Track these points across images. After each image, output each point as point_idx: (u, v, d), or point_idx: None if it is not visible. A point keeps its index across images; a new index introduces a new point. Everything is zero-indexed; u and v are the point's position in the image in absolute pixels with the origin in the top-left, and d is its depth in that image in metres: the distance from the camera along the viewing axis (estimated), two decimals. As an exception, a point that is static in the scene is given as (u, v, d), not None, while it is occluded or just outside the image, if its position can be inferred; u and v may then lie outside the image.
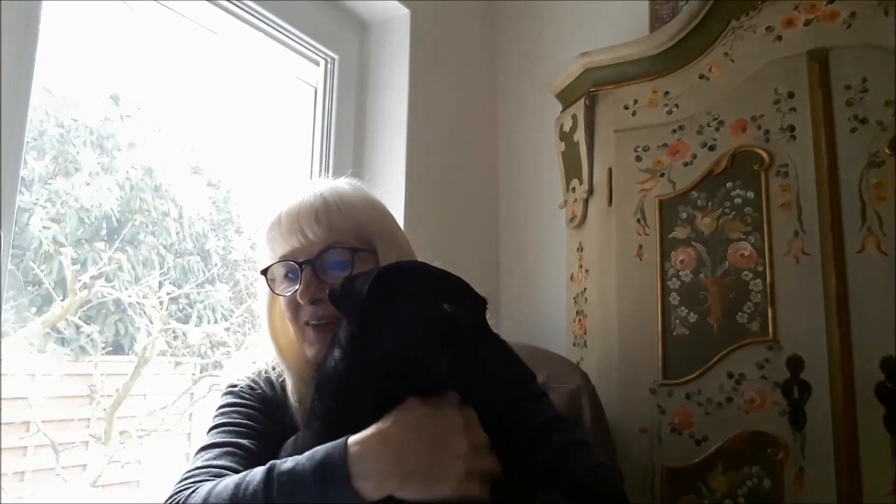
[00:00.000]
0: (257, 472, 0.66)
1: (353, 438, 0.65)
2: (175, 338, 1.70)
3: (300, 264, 0.83)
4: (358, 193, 0.90)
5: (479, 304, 0.73)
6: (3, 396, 1.31)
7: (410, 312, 0.69)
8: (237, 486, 0.66)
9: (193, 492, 0.69)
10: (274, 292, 0.86)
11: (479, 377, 0.69)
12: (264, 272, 0.87)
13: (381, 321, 0.70)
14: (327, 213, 0.84)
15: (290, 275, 0.85)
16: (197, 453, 0.79)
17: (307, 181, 0.90)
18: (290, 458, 0.66)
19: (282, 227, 0.84)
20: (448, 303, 0.70)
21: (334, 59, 1.69)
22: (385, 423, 0.66)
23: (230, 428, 0.82)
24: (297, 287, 0.83)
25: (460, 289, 0.72)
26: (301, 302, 0.82)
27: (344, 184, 0.91)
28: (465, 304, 0.72)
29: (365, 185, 0.94)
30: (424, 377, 0.68)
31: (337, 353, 0.73)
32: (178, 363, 1.71)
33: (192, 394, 1.73)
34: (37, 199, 1.50)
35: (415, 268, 0.76)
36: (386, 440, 0.64)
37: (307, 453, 0.66)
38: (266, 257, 0.87)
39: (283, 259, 0.84)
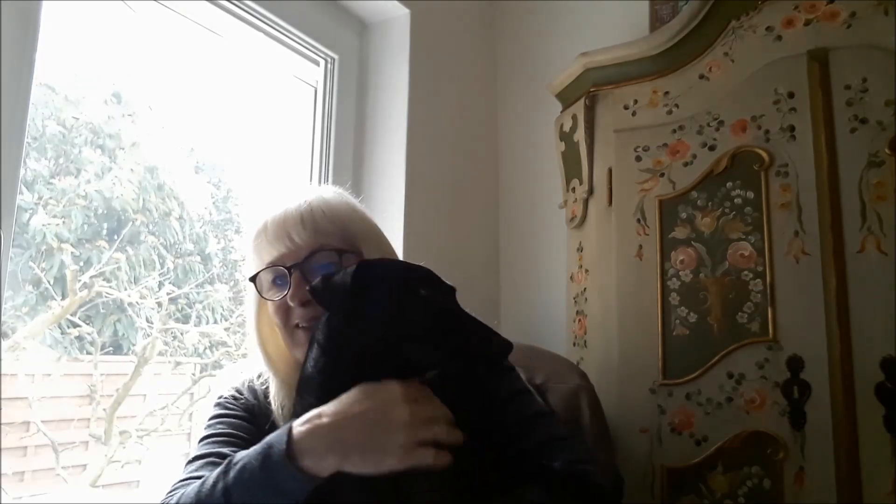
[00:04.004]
0: (220, 468, 0.69)
1: (297, 420, 0.67)
2: (174, 338, 1.70)
3: (288, 268, 0.84)
4: (341, 199, 0.92)
5: (450, 289, 0.74)
6: (3, 396, 1.31)
7: (388, 297, 0.71)
8: (202, 483, 0.69)
9: (167, 503, 0.73)
10: (263, 297, 0.88)
11: (460, 360, 0.70)
12: (252, 279, 0.88)
13: (361, 312, 0.71)
14: (313, 217, 0.86)
15: (277, 281, 0.86)
16: (184, 467, 0.81)
17: (291, 191, 0.92)
18: (247, 450, 0.68)
19: (268, 234, 0.86)
20: (424, 288, 0.71)
21: (334, 59, 1.69)
22: (328, 404, 0.67)
23: (214, 439, 0.84)
24: (285, 292, 0.84)
25: (432, 277, 0.74)
26: (292, 304, 0.84)
27: (327, 191, 0.93)
28: (441, 288, 0.73)
29: (348, 190, 0.97)
30: (404, 362, 0.69)
31: (316, 352, 0.74)
32: (177, 363, 1.71)
33: (191, 394, 1.74)
34: (38, 198, 1.50)
35: (389, 261, 0.80)
36: (322, 417, 0.66)
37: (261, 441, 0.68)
38: (253, 265, 0.89)
39: (271, 265, 0.86)
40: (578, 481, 0.78)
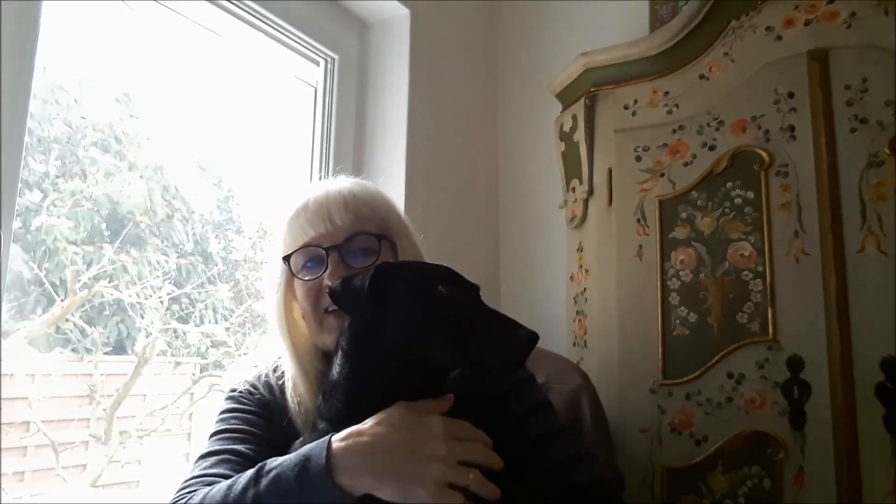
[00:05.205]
0: (249, 472, 0.67)
1: (336, 435, 0.66)
2: (175, 338, 1.70)
3: (327, 249, 0.84)
4: (377, 190, 0.94)
5: (473, 287, 0.74)
6: (3, 396, 1.31)
7: (407, 299, 0.70)
8: (230, 486, 0.67)
9: (188, 502, 0.70)
10: (296, 276, 0.87)
11: (481, 357, 0.69)
12: (286, 259, 0.87)
13: (381, 314, 0.71)
14: (356, 201, 0.87)
15: (308, 264, 0.86)
16: (196, 462, 0.80)
17: (329, 178, 0.92)
18: (280, 457, 0.67)
19: (308, 213, 0.86)
20: (443, 285, 0.71)
21: (334, 59, 1.69)
22: (368, 421, 0.67)
23: (228, 435, 0.83)
24: (318, 274, 0.84)
25: (452, 275, 0.74)
26: (329, 283, 0.82)
27: (366, 182, 0.94)
28: (462, 286, 0.73)
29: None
30: (426, 362, 0.68)
31: (340, 358, 0.74)
32: (178, 363, 1.71)
33: (192, 394, 1.73)
34: (43, 199, 1.50)
35: (407, 262, 0.80)
36: (363, 435, 0.65)
37: (296, 451, 0.67)
38: (285, 245, 0.88)
39: (308, 245, 0.85)
40: (605, 499, 0.79)
